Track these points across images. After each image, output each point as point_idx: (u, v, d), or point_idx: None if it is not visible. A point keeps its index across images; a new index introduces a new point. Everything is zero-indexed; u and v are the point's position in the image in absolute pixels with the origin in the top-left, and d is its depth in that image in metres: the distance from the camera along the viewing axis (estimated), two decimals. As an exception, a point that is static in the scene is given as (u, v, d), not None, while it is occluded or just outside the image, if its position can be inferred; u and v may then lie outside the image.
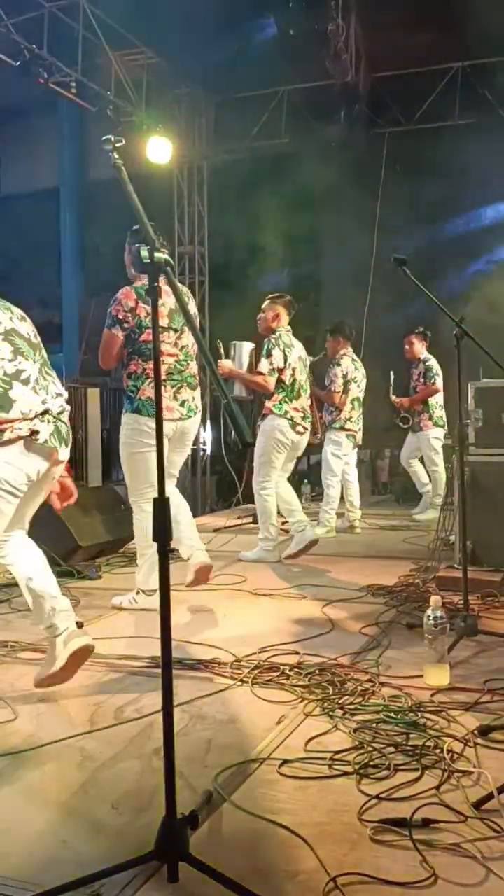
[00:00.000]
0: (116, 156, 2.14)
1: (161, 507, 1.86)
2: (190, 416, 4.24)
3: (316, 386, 7.04)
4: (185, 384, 4.20)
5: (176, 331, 4.13)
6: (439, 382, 7.53)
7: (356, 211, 10.84)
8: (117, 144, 2.16)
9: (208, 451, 11.51)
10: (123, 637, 3.72)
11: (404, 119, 10.31)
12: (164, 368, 4.03)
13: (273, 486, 5.62)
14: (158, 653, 1.86)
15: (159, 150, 9.37)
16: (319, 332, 7.93)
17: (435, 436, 7.60)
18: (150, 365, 3.97)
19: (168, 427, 4.07)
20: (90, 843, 1.98)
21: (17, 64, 7.93)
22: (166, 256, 1.93)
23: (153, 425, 3.73)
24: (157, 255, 1.89)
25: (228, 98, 10.81)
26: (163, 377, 4.03)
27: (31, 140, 14.05)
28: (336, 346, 6.98)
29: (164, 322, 4.06)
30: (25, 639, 3.66)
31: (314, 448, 8.00)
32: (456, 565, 4.71)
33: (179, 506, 4.25)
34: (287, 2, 7.00)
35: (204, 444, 11.48)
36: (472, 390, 5.27)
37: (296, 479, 9.64)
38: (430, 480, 7.69)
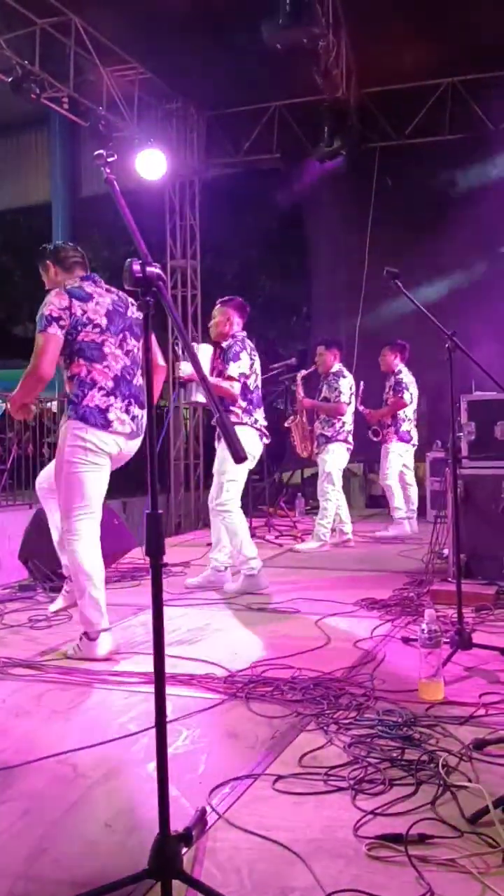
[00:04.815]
0: (108, 170, 2.15)
1: (154, 520, 1.85)
2: (140, 435, 3.82)
3: (305, 398, 7.07)
4: (133, 399, 3.78)
5: (116, 335, 3.76)
6: (407, 396, 7.46)
7: (347, 224, 10.91)
8: (109, 159, 2.17)
9: (201, 466, 11.48)
10: (115, 653, 3.69)
11: (395, 134, 10.39)
12: (110, 374, 3.70)
13: (237, 502, 5.14)
14: (151, 668, 1.85)
15: (151, 165, 9.41)
16: (311, 345, 7.94)
17: (396, 450, 7.55)
18: (98, 367, 3.66)
19: (116, 441, 3.70)
20: (83, 861, 1.96)
21: (10, 80, 7.96)
22: (158, 271, 1.92)
23: (100, 441, 3.63)
24: (149, 269, 1.89)
25: (220, 113, 10.88)
26: (111, 385, 3.71)
27: (23, 155, 14.09)
28: (331, 360, 6.99)
29: (102, 322, 3.71)
30: (17, 655, 3.63)
31: (307, 462, 8.01)
32: (450, 578, 4.71)
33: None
34: (277, 18, 7.04)
35: (197, 458, 11.46)
36: (465, 403, 5.29)
37: (289, 493, 9.67)
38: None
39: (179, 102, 10.68)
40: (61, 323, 3.63)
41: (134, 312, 3.86)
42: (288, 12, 6.94)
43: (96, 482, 3.72)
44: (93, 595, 3.64)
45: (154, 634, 1.85)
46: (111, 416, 3.67)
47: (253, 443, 5.13)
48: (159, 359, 3.88)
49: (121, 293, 3.88)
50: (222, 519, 5.14)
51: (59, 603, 4.55)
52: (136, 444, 3.83)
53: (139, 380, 3.86)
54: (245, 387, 5.15)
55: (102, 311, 3.74)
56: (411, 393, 7.49)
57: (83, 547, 3.68)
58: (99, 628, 3.63)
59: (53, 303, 3.66)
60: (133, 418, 3.76)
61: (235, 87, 9.94)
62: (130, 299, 3.86)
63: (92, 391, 3.66)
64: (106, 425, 3.65)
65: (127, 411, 3.73)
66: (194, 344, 5.30)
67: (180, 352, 5.22)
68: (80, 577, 3.68)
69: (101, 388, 3.67)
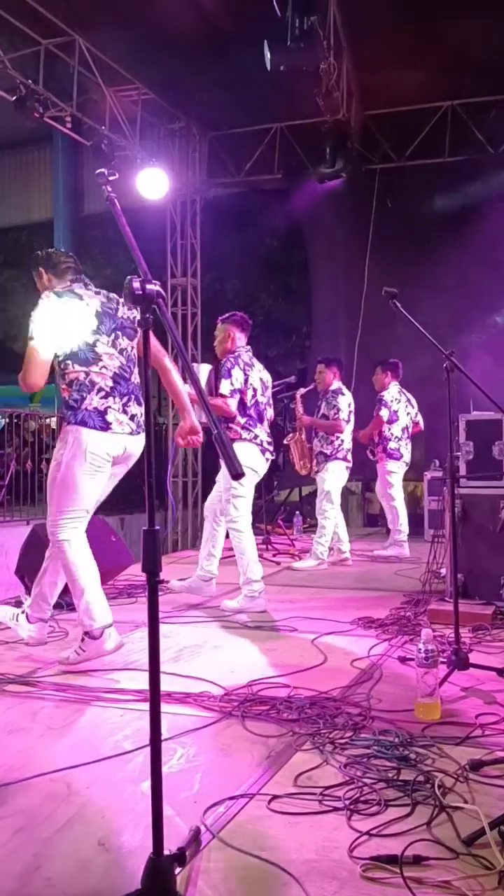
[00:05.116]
0: (110, 189, 2.17)
1: (151, 537, 1.85)
2: (140, 433, 3.82)
3: (305, 415, 7.08)
4: (132, 396, 3.80)
5: (108, 334, 3.77)
6: (385, 414, 7.42)
7: (347, 244, 10.98)
8: (111, 178, 2.19)
9: (199, 483, 11.49)
10: (111, 669, 3.68)
11: (395, 156, 10.48)
12: (108, 374, 3.72)
13: (247, 519, 5.14)
14: (146, 685, 1.84)
15: (153, 184, 9.48)
16: (311, 364, 7.96)
17: (389, 468, 7.55)
18: (95, 369, 3.68)
19: (117, 443, 3.73)
20: (76, 880, 1.94)
21: (14, 99, 8.03)
22: (158, 288, 1.94)
23: (101, 444, 3.64)
24: (149, 286, 1.90)
25: (222, 133, 10.98)
26: (109, 385, 3.71)
27: (26, 173, 14.22)
28: (330, 377, 7.01)
29: (93, 324, 3.74)
30: (12, 671, 3.62)
31: (305, 480, 8.01)
32: (447, 598, 4.70)
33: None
34: (280, 40, 7.12)
35: (195, 476, 11.47)
36: (463, 423, 5.30)
37: (287, 511, 9.67)
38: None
39: (182, 122, 10.79)
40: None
41: (124, 313, 3.87)
42: (291, 36, 7.01)
43: (91, 486, 3.73)
44: (91, 596, 3.69)
45: (150, 652, 1.84)
46: (110, 417, 3.70)
47: (253, 458, 5.12)
48: (166, 361, 3.94)
49: (110, 294, 3.91)
50: (233, 536, 5.15)
51: (29, 632, 4.12)
52: (140, 441, 3.82)
53: (136, 377, 3.87)
54: (241, 403, 5.11)
55: (92, 312, 3.76)
56: (395, 411, 7.48)
57: (74, 554, 3.71)
58: (101, 625, 3.68)
59: (42, 308, 3.69)
60: (132, 417, 3.78)
61: (237, 107, 10.05)
62: (120, 299, 3.89)
63: (91, 394, 3.67)
64: (105, 427, 3.68)
65: (125, 411, 3.75)
66: (194, 364, 5.21)
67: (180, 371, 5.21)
68: (76, 584, 3.71)
69: (100, 390, 3.69)
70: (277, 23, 7.04)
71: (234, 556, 5.19)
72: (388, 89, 9.64)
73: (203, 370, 5.32)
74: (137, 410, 3.81)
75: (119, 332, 3.82)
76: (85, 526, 3.80)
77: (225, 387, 5.06)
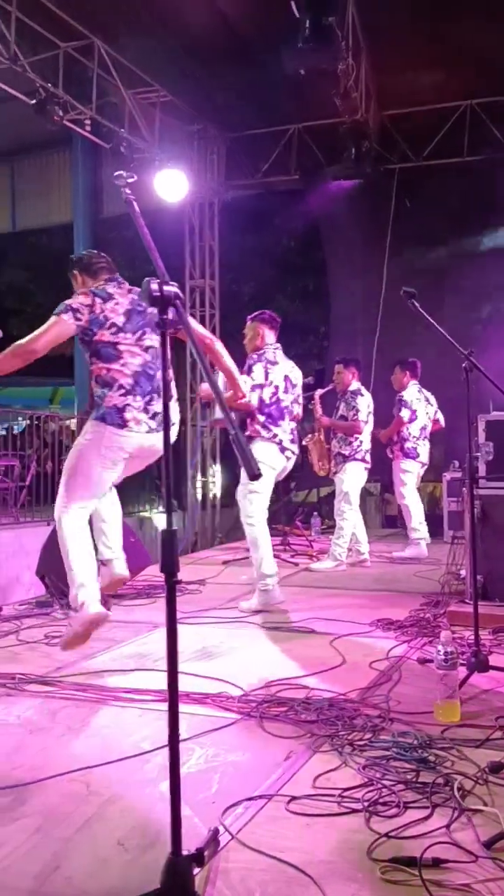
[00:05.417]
0: (128, 191, 2.18)
1: (169, 538, 1.85)
2: (159, 431, 3.78)
3: (323, 416, 7.06)
4: (155, 394, 3.77)
5: (134, 332, 3.77)
6: (406, 414, 7.41)
7: (366, 245, 10.97)
8: (129, 180, 2.21)
9: (218, 483, 11.50)
10: (130, 670, 3.70)
11: (414, 155, 10.45)
12: (129, 371, 3.73)
13: (261, 515, 5.16)
14: (165, 686, 1.85)
15: (172, 186, 9.51)
16: (329, 364, 7.95)
17: (404, 467, 7.53)
18: (116, 367, 3.70)
19: (133, 440, 3.73)
20: (95, 880, 1.95)
21: (33, 102, 8.08)
22: (176, 290, 1.94)
23: (116, 440, 3.67)
24: (166, 288, 1.91)
25: (240, 135, 10.99)
26: (129, 382, 3.72)
27: (45, 176, 14.28)
28: (349, 378, 6.99)
29: (119, 320, 3.74)
30: (33, 671, 3.64)
31: (323, 481, 7.99)
32: (467, 600, 4.67)
33: (112, 506, 4.05)
34: (298, 43, 7.11)
35: (214, 476, 11.48)
36: (483, 423, 5.26)
37: (305, 512, 9.66)
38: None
39: (200, 124, 10.81)
40: (77, 315, 3.67)
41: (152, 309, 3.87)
42: (308, 36, 7.00)
43: (102, 478, 3.80)
44: (81, 577, 3.68)
45: (168, 652, 1.85)
46: (128, 415, 3.71)
47: (270, 456, 5.13)
48: (217, 346, 4.04)
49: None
50: (247, 531, 5.17)
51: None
52: (158, 437, 3.81)
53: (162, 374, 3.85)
54: (261, 399, 5.12)
55: (121, 310, 3.79)
56: (414, 410, 7.46)
57: (72, 536, 3.74)
58: (81, 598, 3.64)
59: (77, 298, 3.75)
60: (153, 415, 3.78)
61: (255, 109, 10.06)
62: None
63: (111, 391, 3.71)
64: (122, 425, 3.70)
65: (146, 409, 3.75)
66: None
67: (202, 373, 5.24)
68: (69, 561, 3.72)
69: (120, 387, 3.71)
70: (295, 25, 7.03)
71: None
72: (405, 89, 9.61)
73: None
74: (161, 408, 3.79)
75: (147, 330, 3.82)
76: (90, 512, 3.87)
77: (245, 383, 5.02)
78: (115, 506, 4.11)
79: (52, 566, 5.20)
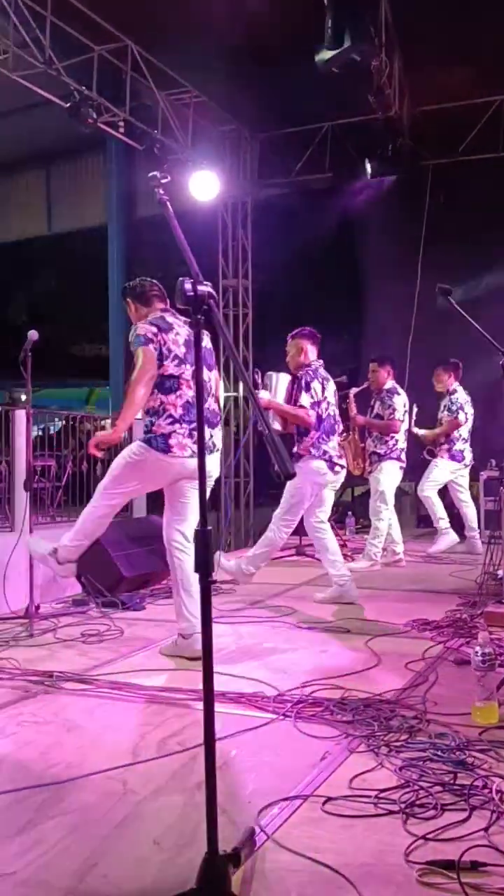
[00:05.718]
0: (162, 192, 2.18)
1: (203, 538, 1.86)
2: (213, 452, 4.03)
3: (359, 415, 7.03)
4: (205, 423, 3.93)
5: (192, 364, 3.83)
6: (462, 416, 7.39)
7: (400, 243, 10.88)
8: (163, 181, 2.21)
9: (251, 484, 11.50)
10: (166, 669, 3.71)
11: (448, 152, 10.35)
12: (181, 402, 3.87)
13: (293, 526, 5.43)
14: (200, 685, 1.85)
15: (205, 186, 9.53)
16: (363, 364, 7.90)
17: (444, 467, 7.46)
18: (170, 399, 3.85)
19: (176, 463, 3.88)
20: (131, 878, 1.96)
21: (68, 105, 8.15)
22: (210, 289, 1.95)
23: (156, 465, 3.84)
24: (200, 288, 1.91)
25: (272, 134, 10.97)
26: (179, 413, 3.87)
27: (80, 179, 14.43)
28: (384, 376, 6.95)
29: (180, 352, 3.88)
30: (70, 669, 3.67)
31: (358, 480, 7.95)
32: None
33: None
34: (331, 40, 7.07)
35: (247, 476, 11.48)
36: (520, 422, 5.20)
37: (339, 511, 9.62)
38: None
39: (233, 125, 10.81)
40: (153, 346, 3.82)
41: (208, 343, 3.98)
42: (338, 34, 6.96)
43: (136, 489, 4.22)
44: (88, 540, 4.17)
45: (203, 652, 1.85)
46: (172, 441, 3.86)
47: (323, 473, 5.23)
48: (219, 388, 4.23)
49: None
50: (277, 531, 5.37)
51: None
52: (213, 459, 4.04)
53: (211, 404, 4.07)
54: (318, 416, 5.25)
55: (181, 340, 3.91)
56: (466, 412, 7.41)
57: (97, 514, 4.11)
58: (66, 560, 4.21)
59: (145, 327, 3.87)
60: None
61: (288, 107, 10.02)
62: (205, 330, 3.97)
63: (160, 419, 3.88)
64: (166, 450, 3.85)
65: (191, 435, 3.86)
66: (273, 374, 5.41)
67: (260, 379, 5.42)
68: (83, 526, 4.16)
69: (168, 416, 3.87)
70: (327, 24, 6.99)
71: (286, 556, 5.19)
72: (440, 85, 9.51)
73: (283, 380, 5.40)
74: (208, 433, 3.94)
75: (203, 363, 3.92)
76: (121, 503, 4.21)
77: (305, 399, 5.20)
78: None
79: (88, 565, 5.24)
